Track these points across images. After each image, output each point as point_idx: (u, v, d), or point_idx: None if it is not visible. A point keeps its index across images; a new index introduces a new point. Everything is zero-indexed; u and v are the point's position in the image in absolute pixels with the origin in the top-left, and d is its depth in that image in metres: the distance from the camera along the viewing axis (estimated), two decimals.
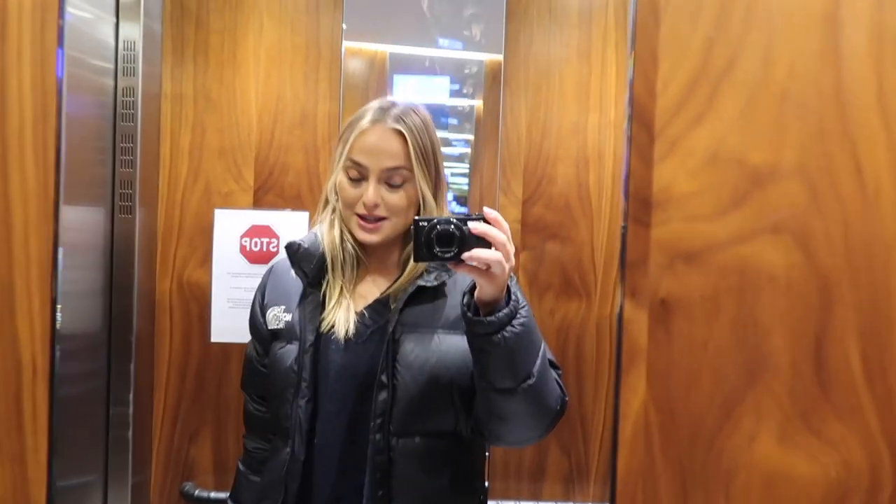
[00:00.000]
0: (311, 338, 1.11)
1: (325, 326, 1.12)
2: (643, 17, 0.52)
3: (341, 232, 1.15)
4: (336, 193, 1.15)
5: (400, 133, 1.09)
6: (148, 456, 1.91)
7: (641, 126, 0.53)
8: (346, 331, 1.11)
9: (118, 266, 1.82)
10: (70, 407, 1.69)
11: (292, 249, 1.17)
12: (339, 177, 1.13)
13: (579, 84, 1.93)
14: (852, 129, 0.54)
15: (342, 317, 1.11)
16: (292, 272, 1.18)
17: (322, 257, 1.15)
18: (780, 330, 0.55)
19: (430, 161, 1.12)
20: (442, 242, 0.93)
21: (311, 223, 1.23)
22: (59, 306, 0.54)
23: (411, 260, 1.11)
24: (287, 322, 1.16)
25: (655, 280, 0.53)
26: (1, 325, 0.52)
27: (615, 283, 1.93)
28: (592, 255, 1.95)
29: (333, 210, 1.17)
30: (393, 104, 1.13)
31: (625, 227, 0.53)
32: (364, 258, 1.17)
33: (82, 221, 1.72)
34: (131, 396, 1.81)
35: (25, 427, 0.51)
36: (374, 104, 1.13)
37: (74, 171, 1.67)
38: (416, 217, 0.96)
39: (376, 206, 1.09)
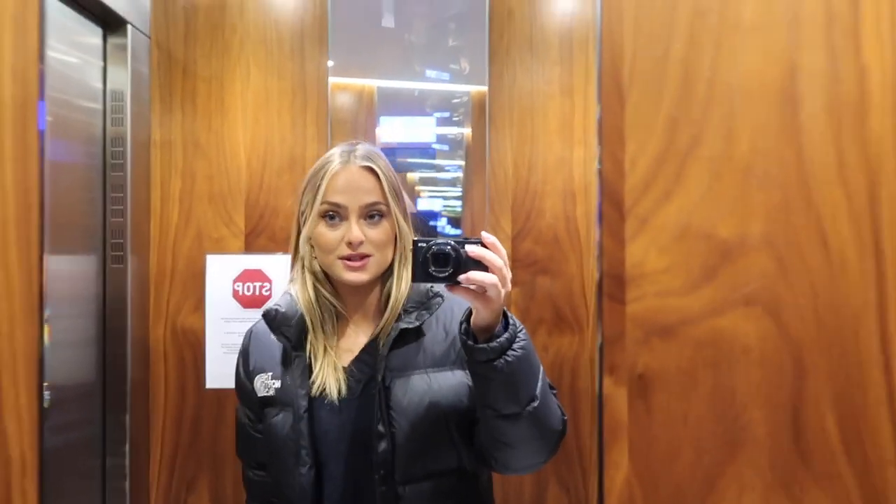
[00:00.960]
0: (303, 404, 1.10)
1: (315, 391, 1.10)
2: (608, 98, 0.54)
3: (315, 289, 1.14)
4: (308, 246, 1.14)
5: (371, 170, 1.11)
6: None
7: (612, 204, 0.54)
8: (339, 391, 1.09)
9: (111, 314, 1.82)
10: (65, 458, 1.68)
11: (270, 317, 1.15)
12: (314, 226, 1.12)
13: (563, 119, 1.96)
14: (816, 201, 0.56)
15: (331, 377, 1.10)
16: (272, 335, 1.16)
17: (301, 318, 1.14)
18: (757, 400, 0.56)
19: (400, 195, 1.14)
20: (438, 263, 0.94)
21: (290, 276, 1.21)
22: (46, 401, 0.54)
23: (391, 299, 1.12)
24: (277, 389, 1.14)
25: (632, 356, 0.54)
26: None
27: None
28: (583, 287, 1.96)
29: (303, 267, 1.15)
30: (354, 146, 1.14)
31: (600, 305, 0.54)
32: (343, 310, 1.16)
33: (74, 271, 1.73)
34: (127, 448, 1.80)
35: None
36: (336, 150, 1.14)
37: (65, 222, 1.68)
38: (415, 238, 0.97)
39: (361, 242, 1.09)
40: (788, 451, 0.56)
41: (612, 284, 0.54)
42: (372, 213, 1.11)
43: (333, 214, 1.11)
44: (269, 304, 1.17)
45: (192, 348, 1.91)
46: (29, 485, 0.51)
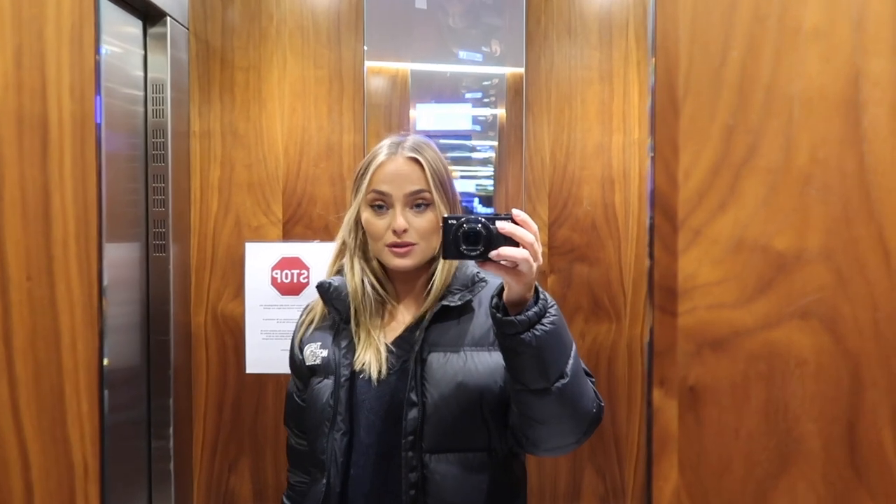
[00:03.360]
0: (345, 373, 1.15)
1: (357, 365, 1.16)
2: (662, 108, 0.53)
3: (361, 277, 1.19)
4: (353, 233, 1.20)
5: (416, 160, 1.15)
6: (190, 486, 1.96)
7: (664, 216, 0.53)
8: (379, 369, 1.14)
9: (154, 301, 1.87)
10: (113, 440, 1.74)
11: (323, 288, 1.21)
12: (363, 213, 1.17)
13: (602, 105, 1.93)
14: (878, 212, 0.54)
15: (373, 356, 1.15)
16: (325, 308, 1.23)
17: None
18: (811, 414, 0.55)
19: (446, 184, 1.17)
20: (469, 241, 0.95)
21: (329, 268, 1.25)
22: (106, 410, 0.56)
23: (436, 282, 1.16)
24: (323, 358, 1.19)
25: (684, 368, 0.54)
26: (53, 429, 0.55)
27: (644, 303, 1.92)
28: (621, 275, 1.95)
29: (351, 254, 1.21)
30: (404, 138, 1.19)
31: (651, 316, 0.54)
32: (389, 297, 1.20)
33: (119, 258, 1.78)
34: (171, 430, 1.86)
35: None
36: (386, 141, 1.19)
37: (112, 211, 1.73)
38: (445, 216, 0.99)
39: (405, 230, 1.13)
40: (843, 465, 0.55)
41: (664, 296, 0.54)
42: (417, 202, 1.15)
43: (381, 203, 1.15)
44: (323, 279, 1.23)
45: (233, 334, 1.95)
46: (91, 489, 0.53)
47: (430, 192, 1.14)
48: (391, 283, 1.21)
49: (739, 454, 0.54)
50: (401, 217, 1.13)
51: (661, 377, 0.53)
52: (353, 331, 1.18)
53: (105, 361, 0.56)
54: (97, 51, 0.57)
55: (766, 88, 0.54)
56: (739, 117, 0.54)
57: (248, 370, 1.94)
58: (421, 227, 1.14)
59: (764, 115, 0.54)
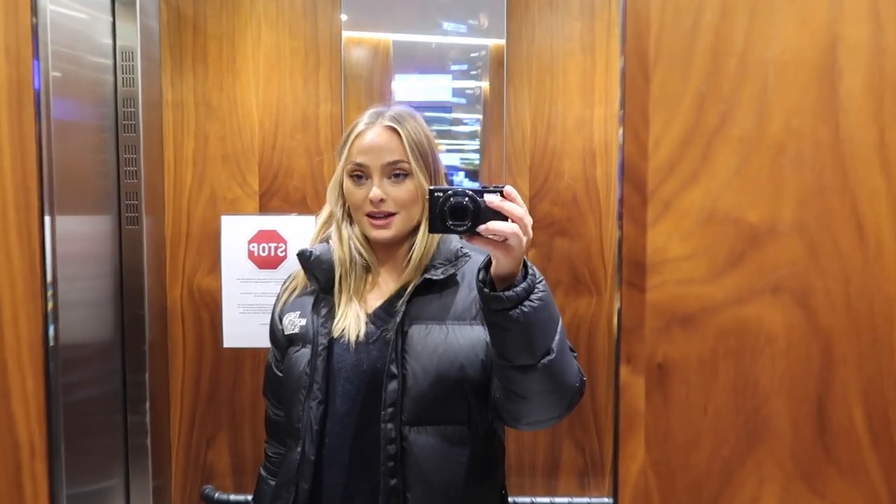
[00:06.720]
0: (323, 341, 1.14)
1: (336, 331, 1.15)
2: (632, 74, 0.50)
3: (348, 241, 1.19)
4: (339, 201, 1.20)
5: (394, 130, 1.14)
6: (167, 461, 1.95)
7: (633, 187, 0.51)
8: (358, 334, 1.13)
9: (127, 275, 1.84)
10: (87, 414, 1.72)
11: (304, 257, 1.21)
12: (345, 182, 1.17)
13: (584, 77, 1.90)
14: (852, 183, 0.53)
15: (353, 321, 1.15)
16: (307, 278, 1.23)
17: (334, 264, 1.19)
18: (781, 391, 0.54)
19: (427, 155, 1.16)
20: (455, 216, 0.93)
21: (315, 236, 1.24)
22: (52, 389, 0.54)
23: (416, 253, 1.15)
24: (302, 326, 1.19)
25: (652, 344, 0.52)
26: None
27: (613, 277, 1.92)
28: (602, 249, 1.93)
29: (339, 221, 1.21)
30: (386, 108, 1.18)
31: (619, 292, 0.52)
32: (372, 264, 1.20)
33: (88, 231, 1.73)
34: (147, 406, 1.83)
35: None
36: (369, 111, 1.18)
37: (79, 182, 1.68)
38: (431, 188, 0.97)
39: (382, 200, 1.13)
40: (812, 443, 0.54)
41: (632, 271, 0.52)
42: (396, 172, 1.14)
43: (359, 174, 1.15)
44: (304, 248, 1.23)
45: (209, 309, 1.92)
46: (39, 466, 0.51)
47: (407, 162, 1.13)
48: (373, 252, 1.21)
49: (707, 432, 0.53)
50: (377, 188, 1.13)
51: (629, 354, 0.52)
52: (335, 297, 1.17)
53: (51, 338, 0.53)
54: (33, 12, 0.54)
55: (740, 54, 0.51)
56: (712, 84, 0.51)
57: (226, 344, 1.91)
58: (399, 197, 1.13)
59: (737, 81, 0.51)
